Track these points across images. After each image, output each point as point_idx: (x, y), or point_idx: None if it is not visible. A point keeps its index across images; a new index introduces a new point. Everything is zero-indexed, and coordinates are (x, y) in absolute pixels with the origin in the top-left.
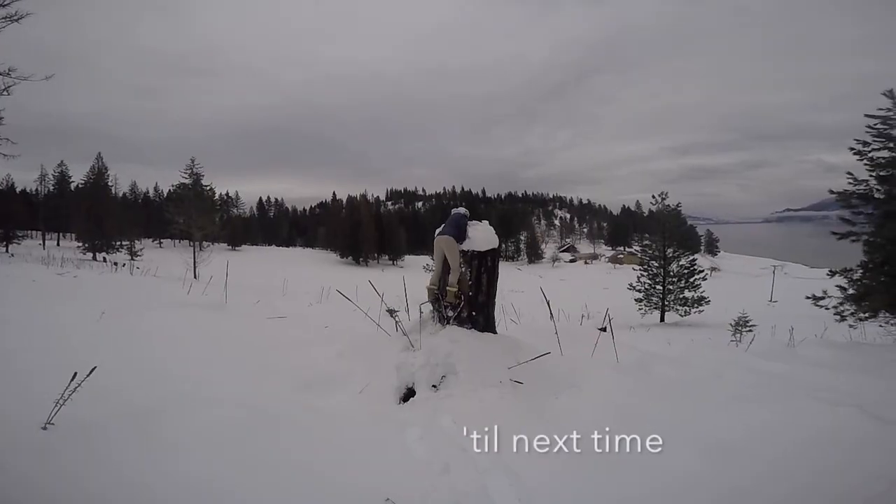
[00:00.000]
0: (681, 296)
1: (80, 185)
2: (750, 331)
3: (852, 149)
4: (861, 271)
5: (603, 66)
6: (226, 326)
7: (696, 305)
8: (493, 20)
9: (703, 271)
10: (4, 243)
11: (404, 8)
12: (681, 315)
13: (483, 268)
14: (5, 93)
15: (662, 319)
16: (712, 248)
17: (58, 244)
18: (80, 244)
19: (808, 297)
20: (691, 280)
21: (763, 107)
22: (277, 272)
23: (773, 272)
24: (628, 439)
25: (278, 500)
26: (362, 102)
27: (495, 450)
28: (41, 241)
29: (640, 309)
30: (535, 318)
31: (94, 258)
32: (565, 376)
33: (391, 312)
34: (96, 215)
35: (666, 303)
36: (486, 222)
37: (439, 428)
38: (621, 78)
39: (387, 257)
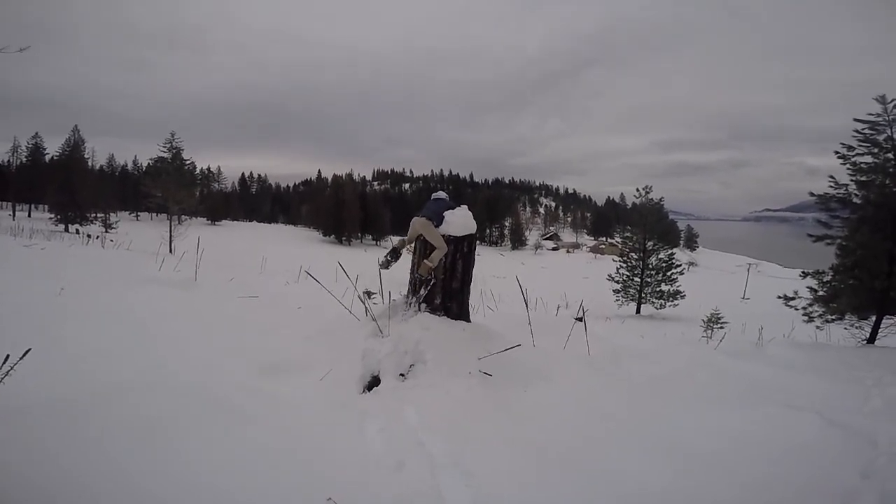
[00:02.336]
0: (657, 289)
1: (54, 157)
2: (721, 327)
3: (837, 152)
4: (832, 274)
5: (597, 59)
6: (192, 306)
7: (671, 299)
8: (486, 6)
9: (680, 265)
10: None
11: None
12: (656, 308)
13: (459, 253)
14: None
15: (638, 311)
16: (691, 244)
17: (29, 215)
18: (53, 216)
19: (779, 297)
20: (668, 274)
21: (751, 107)
22: (257, 249)
23: (748, 270)
24: (594, 440)
25: (207, 495)
26: (351, 82)
27: (456, 445)
28: (11, 213)
29: (616, 300)
30: (513, 306)
31: (67, 230)
32: (536, 369)
33: (368, 294)
34: (70, 186)
35: (643, 295)
36: (465, 207)
37: (401, 420)
38: (614, 71)
39: (370, 237)
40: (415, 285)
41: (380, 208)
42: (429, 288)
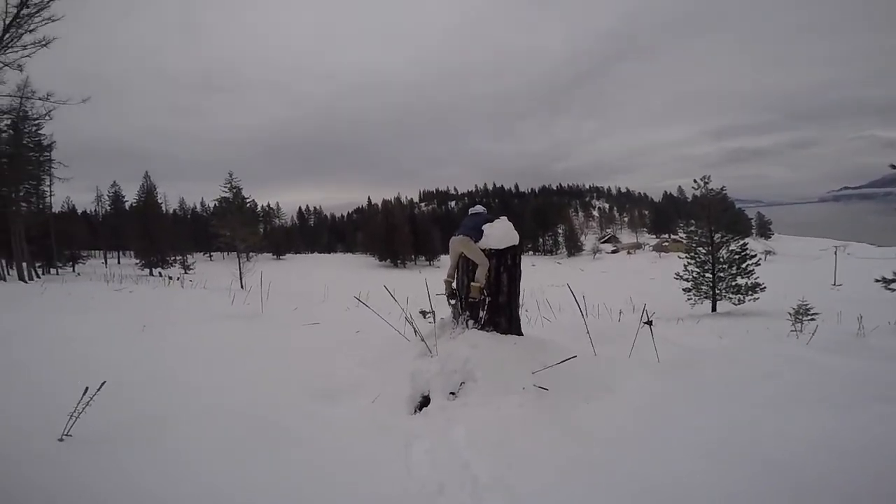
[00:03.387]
0: (733, 283)
1: (132, 204)
2: (812, 319)
3: None
4: None
5: (624, 53)
6: (257, 336)
7: (750, 293)
8: (505, 16)
9: (755, 256)
10: (71, 263)
11: (417, 11)
12: (734, 304)
13: (502, 266)
14: (47, 117)
15: (714, 309)
16: (765, 231)
17: (118, 262)
18: (138, 261)
19: (877, 280)
20: (743, 266)
21: (799, 85)
22: (318, 278)
23: (835, 253)
24: (658, 452)
25: None
26: (385, 107)
27: (503, 465)
28: (104, 260)
29: (688, 299)
30: (574, 315)
31: (151, 273)
32: (597, 379)
33: (424, 314)
34: (150, 233)
35: (717, 291)
36: (504, 218)
37: (448, 441)
38: (644, 63)
39: (423, 258)
40: (461, 304)
41: (429, 229)
42: (485, 308)
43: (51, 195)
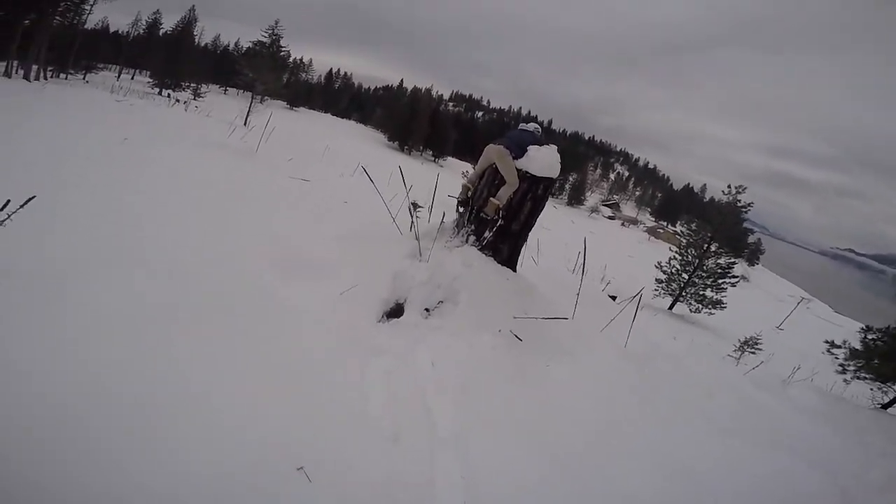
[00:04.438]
0: (701, 292)
1: (167, 32)
2: (754, 353)
3: None
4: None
5: (734, 39)
6: (240, 176)
7: (710, 307)
8: None
9: (735, 277)
10: (84, 72)
11: None
12: (691, 310)
13: (531, 194)
14: None
15: (671, 307)
16: (752, 259)
17: (132, 78)
18: (151, 80)
19: (825, 342)
20: (720, 281)
21: (879, 129)
22: (324, 136)
23: (797, 303)
24: (603, 444)
25: (155, 416)
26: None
27: (464, 420)
28: (117, 74)
29: (655, 290)
30: (555, 263)
31: (160, 93)
32: (566, 344)
33: (414, 206)
34: (173, 58)
35: (683, 293)
36: (554, 147)
37: (413, 369)
38: (747, 55)
39: (430, 153)
40: (470, 215)
41: (448, 129)
42: (494, 229)
43: (89, 13)
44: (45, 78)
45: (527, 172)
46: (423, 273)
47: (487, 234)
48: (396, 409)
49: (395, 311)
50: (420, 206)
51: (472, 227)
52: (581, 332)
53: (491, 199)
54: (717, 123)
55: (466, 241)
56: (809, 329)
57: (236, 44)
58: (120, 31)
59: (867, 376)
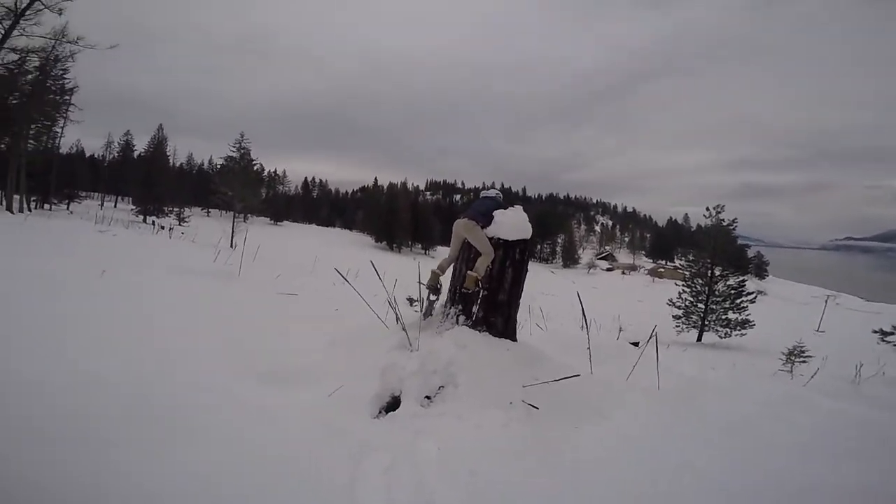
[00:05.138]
0: (724, 316)
1: (141, 154)
2: (804, 361)
3: None
4: None
5: (659, 72)
6: (222, 299)
7: (738, 328)
8: (539, 23)
9: (752, 294)
10: (67, 201)
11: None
12: (720, 336)
13: (508, 261)
14: (71, 60)
15: (700, 339)
16: (761, 272)
17: (115, 206)
18: (134, 207)
19: (874, 332)
20: (737, 301)
21: (831, 124)
22: (312, 249)
23: (826, 301)
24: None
25: None
26: (406, 93)
27: (479, 502)
28: (101, 203)
29: (676, 326)
30: (564, 325)
31: (144, 221)
32: (593, 403)
33: (411, 302)
34: (150, 181)
35: (706, 322)
36: (520, 207)
37: (414, 460)
38: (678, 85)
39: (420, 246)
40: (454, 295)
41: (430, 218)
42: (478, 302)
43: (61, 136)
44: (29, 209)
45: (499, 239)
46: (413, 362)
47: (475, 309)
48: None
49: (392, 405)
50: (417, 301)
51: (460, 307)
52: (607, 387)
53: (468, 272)
54: (676, 153)
55: (457, 322)
56: (848, 324)
57: (209, 161)
58: (95, 156)
59: None
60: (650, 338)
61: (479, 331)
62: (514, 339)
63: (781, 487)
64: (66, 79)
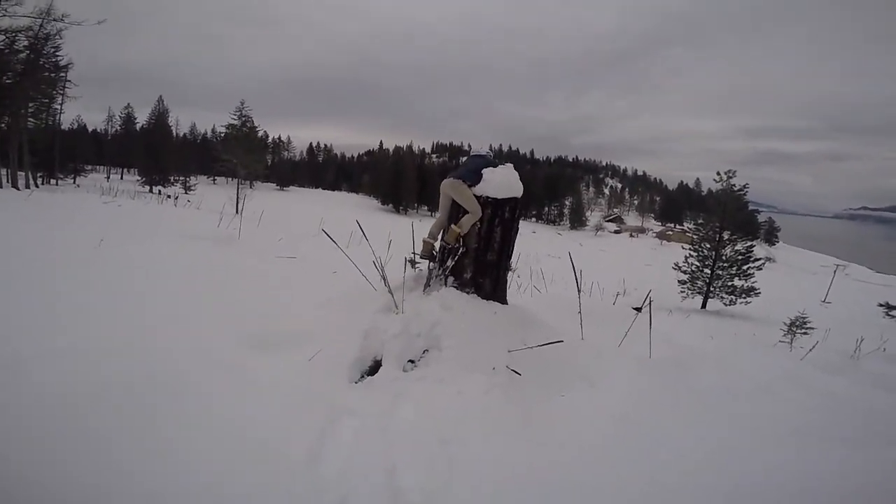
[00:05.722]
0: (729, 283)
1: (143, 126)
2: (806, 333)
3: None
4: None
5: (676, 38)
6: (219, 262)
7: (743, 295)
8: None
9: (759, 260)
10: (73, 175)
11: None
12: (725, 304)
13: (497, 219)
14: (58, 37)
15: (704, 306)
16: (771, 238)
17: (121, 178)
18: (140, 178)
19: (879, 305)
20: (744, 268)
21: (857, 97)
22: (317, 213)
23: (835, 272)
24: (640, 481)
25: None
26: (413, 55)
27: (441, 477)
28: (107, 175)
29: (682, 291)
30: (567, 289)
31: (150, 190)
32: (579, 368)
33: (412, 263)
34: (155, 152)
35: (711, 289)
36: (510, 165)
37: (387, 427)
38: (696, 51)
39: (426, 208)
40: (442, 254)
41: (436, 180)
42: (456, 258)
43: (61, 112)
44: (36, 185)
45: (487, 197)
46: (396, 325)
47: (466, 275)
48: (352, 471)
49: (374, 369)
50: (418, 263)
51: (447, 267)
52: (596, 353)
53: (452, 226)
54: (690, 118)
55: (444, 283)
56: (856, 295)
57: (213, 130)
58: (98, 130)
59: None
60: (644, 301)
61: (468, 292)
62: (504, 302)
63: (758, 460)
64: (58, 56)
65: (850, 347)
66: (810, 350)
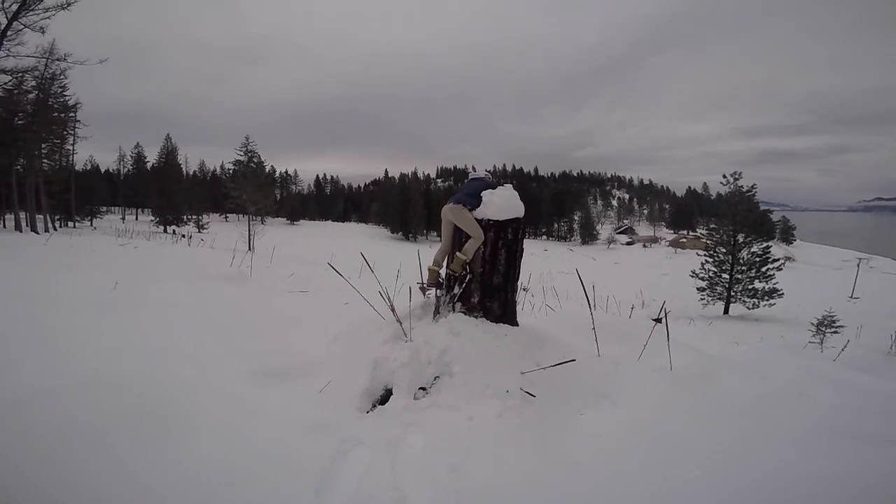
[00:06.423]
0: (750, 286)
1: (154, 165)
2: (836, 332)
3: None
4: None
5: (665, 44)
6: (235, 301)
7: (766, 298)
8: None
9: (777, 260)
10: (90, 218)
11: None
12: (748, 308)
13: (501, 241)
14: (63, 76)
15: (727, 311)
16: (787, 237)
17: (136, 218)
18: (154, 218)
19: None
20: (763, 269)
21: (844, 89)
22: (329, 245)
23: (858, 265)
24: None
25: None
26: (409, 81)
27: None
28: (122, 216)
29: (701, 299)
30: (582, 305)
31: (165, 230)
32: (597, 386)
33: (423, 291)
34: (166, 192)
35: (732, 293)
36: (510, 186)
37: (397, 456)
38: (685, 55)
39: (434, 233)
40: (449, 281)
41: (442, 204)
42: (464, 285)
43: (73, 153)
44: (54, 227)
45: (489, 220)
46: (405, 353)
47: (457, 291)
48: (362, 501)
49: (384, 398)
50: (429, 290)
51: (455, 294)
52: (614, 369)
53: (457, 253)
54: (688, 123)
55: (452, 309)
56: (883, 289)
57: (221, 167)
58: (110, 170)
59: None
60: (660, 311)
61: (476, 317)
62: (514, 323)
63: (791, 468)
64: (66, 96)
65: (883, 344)
66: (842, 349)
